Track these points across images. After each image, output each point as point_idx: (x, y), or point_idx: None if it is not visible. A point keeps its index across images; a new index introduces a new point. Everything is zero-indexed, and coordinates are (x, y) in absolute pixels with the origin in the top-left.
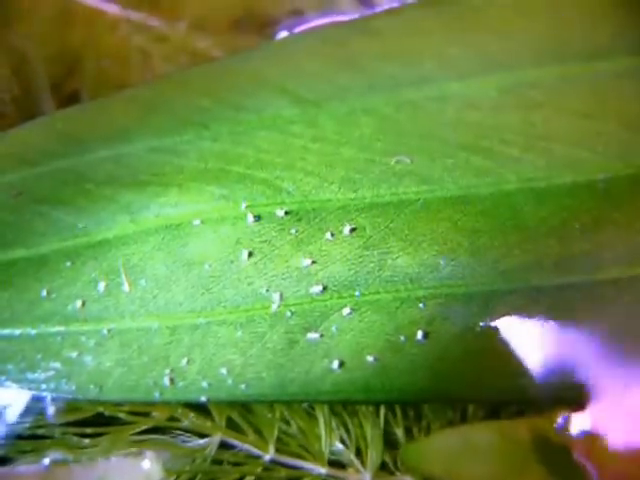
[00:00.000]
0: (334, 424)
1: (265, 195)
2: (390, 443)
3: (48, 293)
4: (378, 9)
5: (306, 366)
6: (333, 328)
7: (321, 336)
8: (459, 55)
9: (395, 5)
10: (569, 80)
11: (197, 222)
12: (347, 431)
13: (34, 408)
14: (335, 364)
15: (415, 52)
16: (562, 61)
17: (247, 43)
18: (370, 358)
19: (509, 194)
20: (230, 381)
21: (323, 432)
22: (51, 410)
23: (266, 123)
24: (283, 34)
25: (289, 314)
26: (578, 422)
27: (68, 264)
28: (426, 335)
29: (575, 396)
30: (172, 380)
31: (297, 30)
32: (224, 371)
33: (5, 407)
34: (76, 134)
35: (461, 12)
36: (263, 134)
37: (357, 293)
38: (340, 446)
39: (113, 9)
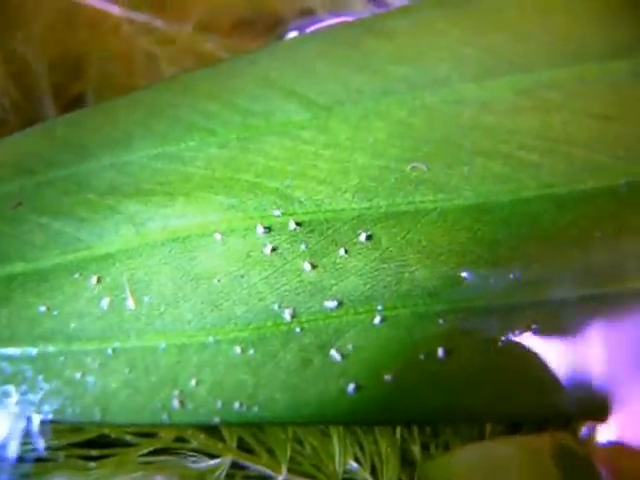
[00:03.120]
0: (348, 442)
1: (276, 205)
2: (406, 460)
3: (49, 310)
4: (390, 8)
5: (321, 387)
6: (349, 346)
7: (336, 354)
8: (474, 56)
9: (406, 4)
10: (587, 81)
11: (205, 234)
12: (361, 449)
13: (35, 430)
14: (351, 384)
15: (429, 53)
16: (579, 61)
17: (255, 44)
18: (388, 377)
19: (529, 201)
20: (242, 403)
21: (337, 450)
22: (53, 431)
23: (275, 128)
24: (293, 34)
25: (302, 331)
26: (601, 433)
27: (70, 279)
28: (447, 352)
29: (599, 411)
30: (181, 402)
31: (307, 30)
32: (235, 393)
33: (5, 430)
34: (77, 141)
35: (475, 12)
36: (273, 140)
37: (374, 308)
38: (355, 465)
39: (117, 11)
